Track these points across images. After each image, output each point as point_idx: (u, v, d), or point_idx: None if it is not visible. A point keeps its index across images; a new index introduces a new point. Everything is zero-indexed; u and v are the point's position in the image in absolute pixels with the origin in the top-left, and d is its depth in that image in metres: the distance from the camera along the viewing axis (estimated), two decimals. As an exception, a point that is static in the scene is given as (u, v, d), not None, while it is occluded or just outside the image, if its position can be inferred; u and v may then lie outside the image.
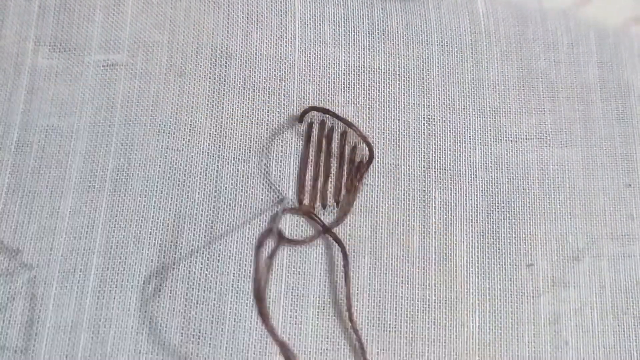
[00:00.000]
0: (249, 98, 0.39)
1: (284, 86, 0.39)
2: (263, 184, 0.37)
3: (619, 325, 0.37)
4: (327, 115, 0.39)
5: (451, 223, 0.38)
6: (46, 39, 0.39)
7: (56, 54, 0.39)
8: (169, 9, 0.40)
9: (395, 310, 0.36)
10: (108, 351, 0.34)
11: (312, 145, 0.38)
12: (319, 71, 0.40)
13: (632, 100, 0.41)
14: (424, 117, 0.40)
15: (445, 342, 0.36)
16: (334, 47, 0.40)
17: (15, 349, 0.34)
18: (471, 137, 0.39)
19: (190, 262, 0.36)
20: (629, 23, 0.43)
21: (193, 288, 0.35)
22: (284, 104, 0.39)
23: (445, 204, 0.38)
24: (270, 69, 0.39)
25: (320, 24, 0.41)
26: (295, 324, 0.36)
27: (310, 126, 0.38)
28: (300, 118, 0.38)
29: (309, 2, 0.41)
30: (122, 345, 0.34)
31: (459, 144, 0.39)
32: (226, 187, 0.37)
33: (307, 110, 0.38)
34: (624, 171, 0.40)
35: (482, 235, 0.38)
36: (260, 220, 0.37)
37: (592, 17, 0.43)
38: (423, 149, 0.39)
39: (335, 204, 0.37)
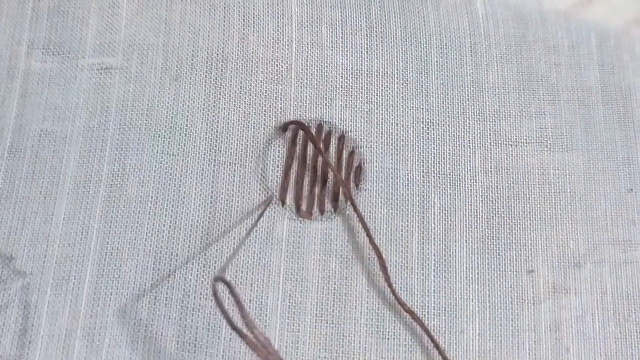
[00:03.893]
0: (245, 102, 0.38)
1: (281, 90, 0.39)
2: (260, 189, 0.37)
3: (620, 332, 0.37)
4: (325, 120, 0.38)
5: (451, 228, 0.37)
6: (39, 42, 0.39)
7: (50, 57, 0.38)
8: (164, 11, 0.40)
9: (394, 317, 0.36)
10: (103, 359, 0.34)
11: (309, 150, 0.38)
12: (317, 74, 0.39)
13: (633, 104, 0.40)
14: (422, 121, 0.39)
15: (444, 350, 0.35)
16: (332, 50, 0.40)
17: (8, 357, 0.34)
18: (470, 141, 0.39)
19: (186, 269, 0.35)
20: (630, 25, 0.42)
21: (189, 295, 0.35)
22: (280, 108, 0.38)
23: (445, 209, 0.38)
24: (267, 72, 0.39)
25: (317, 26, 0.40)
26: (293, 331, 0.35)
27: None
28: (284, 128, 0.38)
29: (306, 4, 0.40)
30: (117, 354, 0.34)
31: (458, 148, 0.39)
32: (222, 192, 0.37)
33: (289, 123, 0.38)
34: (626, 176, 0.39)
35: (482, 241, 0.37)
36: (257, 226, 0.36)
37: (592, 19, 0.42)
38: (422, 154, 0.38)
39: (333, 209, 0.37)
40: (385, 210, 0.37)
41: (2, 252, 0.35)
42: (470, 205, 0.38)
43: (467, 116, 0.39)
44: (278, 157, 0.38)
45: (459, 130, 0.39)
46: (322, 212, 0.37)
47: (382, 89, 0.39)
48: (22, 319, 0.34)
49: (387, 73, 0.40)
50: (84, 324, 0.34)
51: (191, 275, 0.35)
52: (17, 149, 0.37)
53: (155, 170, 0.37)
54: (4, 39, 0.39)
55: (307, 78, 0.39)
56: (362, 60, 0.40)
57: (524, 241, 0.38)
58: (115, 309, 0.34)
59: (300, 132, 0.38)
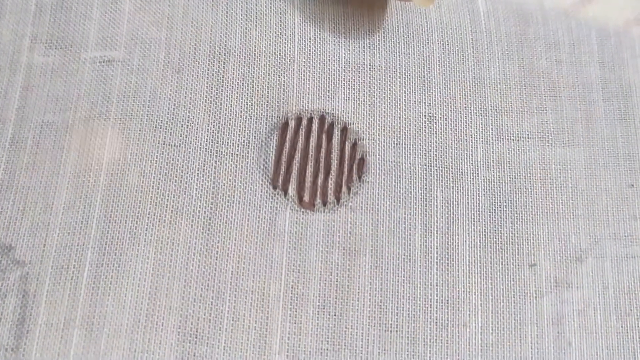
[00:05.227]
0: (247, 93, 0.38)
1: (284, 81, 0.39)
2: (262, 180, 0.37)
3: (622, 327, 0.37)
4: (327, 111, 0.38)
5: (453, 222, 0.37)
6: (42, 36, 0.39)
7: (52, 51, 0.38)
8: (166, 5, 0.40)
9: (397, 310, 0.36)
10: (102, 349, 0.33)
11: (312, 141, 0.38)
12: (319, 67, 0.39)
13: (633, 100, 0.41)
14: (425, 115, 0.39)
15: (447, 343, 0.35)
16: (334, 45, 0.40)
17: (6, 347, 0.33)
18: (472, 136, 0.39)
19: (187, 259, 0.35)
20: (630, 23, 0.43)
21: (190, 286, 0.35)
22: (283, 99, 0.38)
23: (447, 203, 0.38)
24: (269, 66, 0.39)
25: (320, 20, 0.40)
26: (295, 323, 0.35)
27: (310, 121, 0.38)
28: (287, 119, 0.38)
29: (309, -1, 0.41)
30: (116, 343, 0.33)
31: (460, 142, 0.39)
32: (224, 183, 0.37)
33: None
34: (627, 171, 0.39)
35: (484, 235, 0.37)
36: (259, 216, 0.36)
37: (593, 17, 0.43)
38: (424, 147, 0.39)
39: (335, 200, 0.37)
40: (388, 203, 0.37)
41: (1, 241, 0.35)
42: (473, 199, 0.38)
43: (469, 111, 0.40)
44: (280, 148, 0.38)
45: (461, 125, 0.39)
46: (324, 203, 0.37)
47: (384, 83, 0.39)
48: (21, 308, 0.34)
49: (389, 67, 0.40)
50: (82, 314, 0.34)
51: (192, 266, 0.35)
52: (18, 140, 0.37)
53: (156, 160, 0.37)
54: (7, 34, 0.39)
55: (309, 70, 0.39)
56: (364, 55, 0.40)
57: (526, 235, 0.38)
58: (114, 299, 0.34)
59: (303, 123, 0.38)
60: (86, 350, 0.33)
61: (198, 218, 0.36)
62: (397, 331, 0.35)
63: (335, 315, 0.35)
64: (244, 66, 0.39)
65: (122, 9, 0.40)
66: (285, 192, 0.37)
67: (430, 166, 0.38)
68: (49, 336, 0.33)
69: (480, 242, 0.37)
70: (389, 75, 0.40)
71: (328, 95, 0.39)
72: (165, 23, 0.39)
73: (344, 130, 0.38)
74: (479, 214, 0.38)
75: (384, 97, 0.39)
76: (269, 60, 0.39)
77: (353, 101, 0.39)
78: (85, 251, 0.35)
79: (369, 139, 0.38)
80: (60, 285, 0.34)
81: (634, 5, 0.43)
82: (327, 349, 0.35)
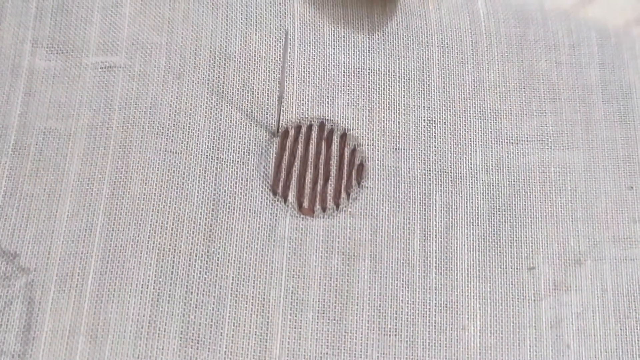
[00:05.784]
0: (247, 100, 0.39)
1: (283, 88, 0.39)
2: (262, 187, 0.37)
3: (621, 329, 0.37)
4: (327, 118, 0.38)
5: (452, 226, 0.38)
6: (44, 40, 0.39)
7: (54, 56, 0.39)
8: (167, 10, 0.40)
9: (396, 314, 0.36)
10: (106, 356, 0.34)
11: (311, 148, 0.38)
12: (319, 73, 0.39)
13: (633, 102, 0.41)
14: (424, 119, 0.39)
15: (446, 346, 0.36)
16: (334, 49, 0.40)
17: (12, 354, 0.34)
18: (472, 139, 0.39)
19: (189, 266, 0.35)
20: (631, 24, 0.42)
21: (192, 292, 0.35)
22: (283, 106, 0.38)
23: (446, 207, 0.38)
24: (269, 71, 0.39)
25: (319, 25, 0.40)
26: (295, 328, 0.35)
27: (309, 128, 0.38)
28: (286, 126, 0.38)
29: (309, 3, 0.41)
30: (120, 350, 0.34)
31: (459, 146, 0.39)
32: (225, 190, 0.37)
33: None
34: (626, 174, 0.39)
35: (483, 238, 0.38)
36: (259, 223, 0.36)
37: (593, 18, 0.42)
38: (423, 151, 0.39)
39: (335, 206, 0.37)
40: (387, 208, 0.38)
41: (6, 249, 0.35)
42: (472, 202, 0.38)
43: (469, 114, 0.40)
44: (280, 155, 0.38)
45: (460, 128, 0.39)
46: (324, 209, 0.37)
47: (383, 87, 0.40)
48: (26, 316, 0.34)
49: (388, 71, 0.40)
50: (87, 321, 0.34)
51: (194, 272, 0.35)
52: (21, 147, 0.37)
53: (158, 168, 0.37)
54: (8, 37, 0.39)
55: (309, 76, 0.39)
56: (364, 59, 0.40)
57: (525, 238, 0.38)
58: (118, 306, 0.35)
59: (303, 130, 0.38)
60: (91, 357, 0.34)
61: (199, 225, 0.36)
62: (396, 335, 0.36)
63: (334, 319, 0.36)
64: (244, 72, 0.39)
65: (122, 13, 0.40)
66: (285, 198, 0.37)
67: (429, 171, 0.38)
68: (54, 343, 0.34)
69: (479, 245, 0.37)
70: (388, 79, 0.40)
71: (327, 101, 0.39)
72: (166, 27, 0.39)
73: (344, 136, 0.38)
74: (477, 218, 0.38)
75: (383, 101, 0.39)
76: (269, 66, 0.39)
77: (352, 106, 0.39)
78: (89, 259, 0.35)
79: (368, 145, 0.38)
80: (65, 293, 0.35)
81: (634, 5, 0.43)
82: (327, 354, 0.35)
